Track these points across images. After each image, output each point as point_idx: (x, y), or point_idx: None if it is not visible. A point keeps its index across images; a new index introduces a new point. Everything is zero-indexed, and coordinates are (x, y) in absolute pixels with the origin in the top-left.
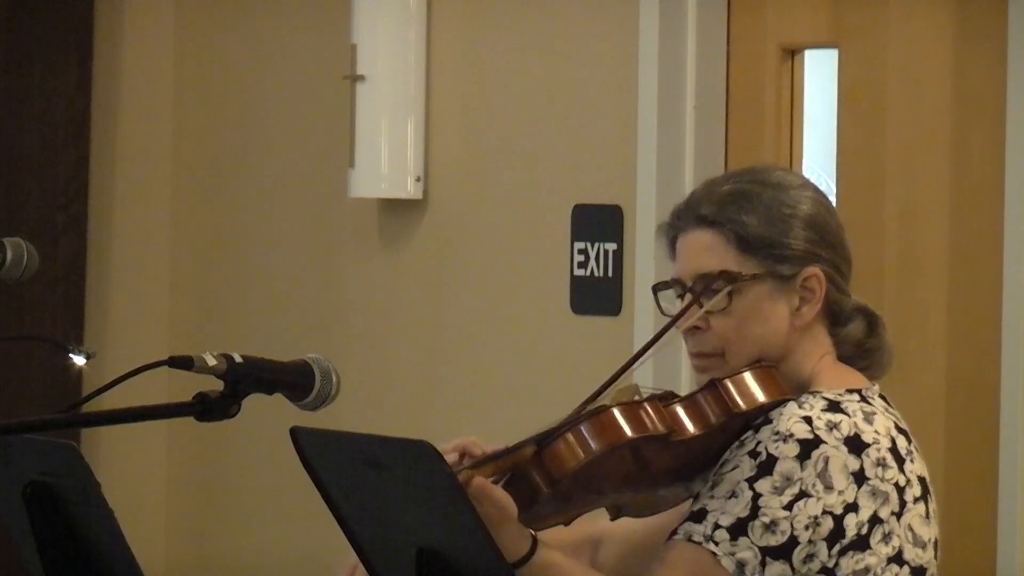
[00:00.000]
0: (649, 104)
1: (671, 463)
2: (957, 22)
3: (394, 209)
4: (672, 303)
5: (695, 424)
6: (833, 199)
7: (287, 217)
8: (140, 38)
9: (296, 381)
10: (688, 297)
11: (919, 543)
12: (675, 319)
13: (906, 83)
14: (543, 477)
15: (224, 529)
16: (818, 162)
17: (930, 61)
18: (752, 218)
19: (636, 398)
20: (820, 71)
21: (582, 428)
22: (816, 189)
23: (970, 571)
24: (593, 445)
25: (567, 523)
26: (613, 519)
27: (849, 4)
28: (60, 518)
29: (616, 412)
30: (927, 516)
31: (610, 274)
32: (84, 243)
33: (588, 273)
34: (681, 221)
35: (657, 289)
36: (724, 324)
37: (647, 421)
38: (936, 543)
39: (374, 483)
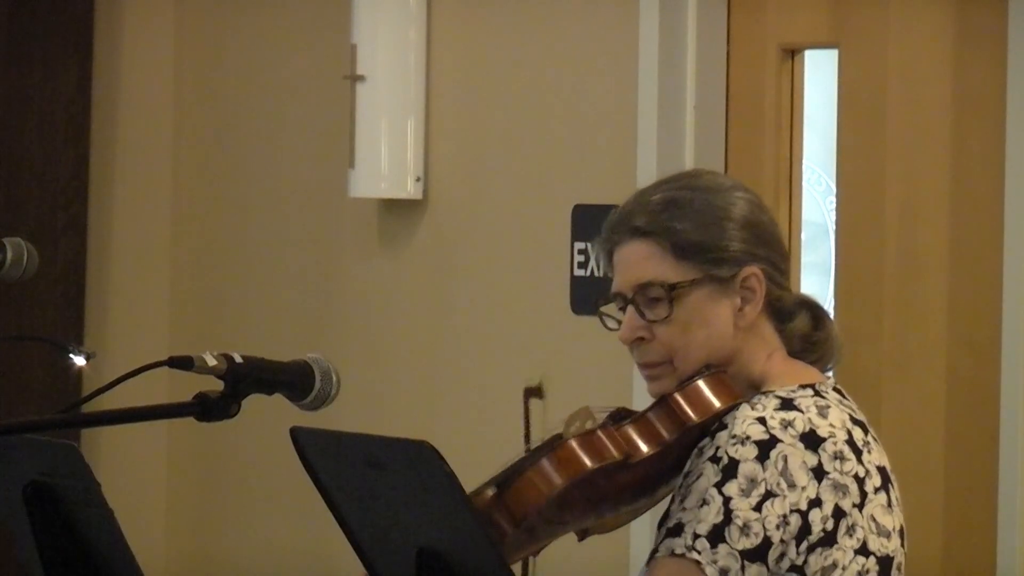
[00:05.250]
0: (649, 104)
1: (632, 483)
2: (957, 22)
3: (394, 209)
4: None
5: (650, 443)
6: (833, 199)
7: (287, 217)
8: (140, 38)
9: (296, 381)
10: (630, 309)
11: (883, 533)
12: None
13: (906, 83)
14: (506, 518)
15: (224, 529)
16: (818, 162)
17: (930, 61)
18: (686, 224)
19: (589, 424)
20: (820, 71)
21: (542, 464)
22: (747, 189)
23: (970, 571)
24: (555, 480)
25: (535, 555)
26: (580, 540)
27: (849, 4)
28: (60, 518)
29: (573, 445)
30: (889, 505)
31: (610, 274)
32: (84, 243)
33: (588, 273)
34: (616, 234)
35: (599, 305)
36: (668, 332)
37: (604, 449)
38: (902, 531)
39: (374, 483)
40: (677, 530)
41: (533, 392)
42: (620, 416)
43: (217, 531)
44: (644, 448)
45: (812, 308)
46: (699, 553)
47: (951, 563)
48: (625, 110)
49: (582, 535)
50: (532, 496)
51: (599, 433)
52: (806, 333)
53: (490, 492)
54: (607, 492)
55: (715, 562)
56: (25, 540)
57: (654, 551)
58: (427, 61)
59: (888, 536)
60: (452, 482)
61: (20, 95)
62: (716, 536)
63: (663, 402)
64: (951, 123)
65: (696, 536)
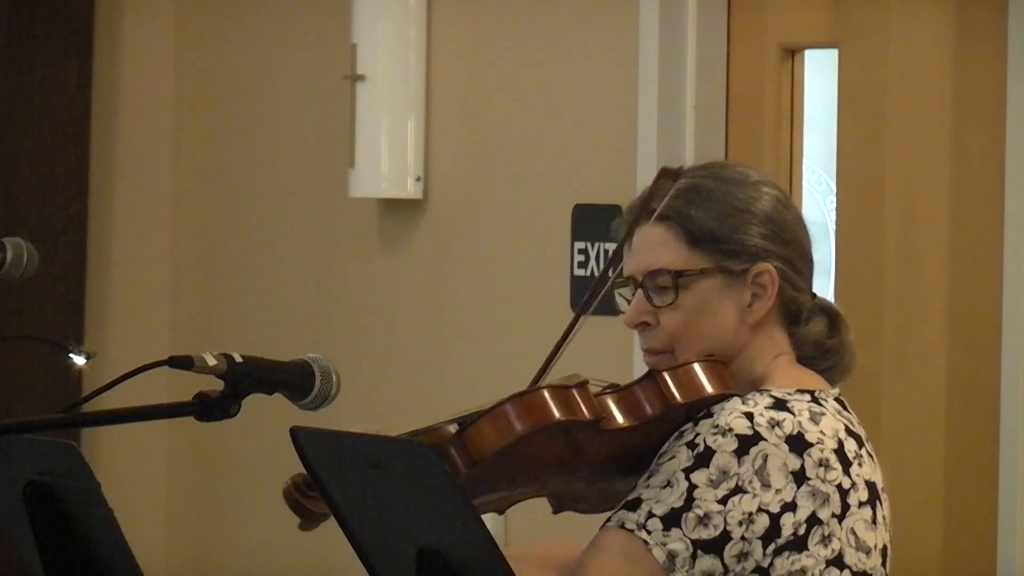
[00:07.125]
0: (649, 104)
1: (606, 452)
2: (957, 22)
3: (394, 209)
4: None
5: (628, 413)
6: (833, 199)
7: (287, 217)
8: (140, 38)
9: (296, 381)
10: (639, 293)
11: (863, 548)
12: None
13: (906, 83)
14: (462, 457)
15: (224, 529)
16: (818, 162)
17: (930, 61)
18: (702, 212)
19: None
20: (820, 71)
21: (507, 408)
22: (775, 186)
23: (970, 571)
24: (517, 425)
25: (501, 511)
26: (556, 512)
27: (849, 4)
28: (60, 518)
29: (544, 393)
30: (873, 522)
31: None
32: (84, 243)
33: (588, 273)
34: (634, 215)
35: (616, 287)
36: (672, 319)
37: (575, 406)
38: (885, 550)
39: (374, 483)
40: (634, 504)
41: None
42: (607, 388)
43: (217, 531)
44: (620, 417)
45: (830, 314)
46: (648, 533)
47: (951, 563)
48: (625, 110)
49: (558, 504)
50: (491, 437)
51: (574, 390)
52: (819, 339)
53: (452, 428)
54: (579, 457)
55: (664, 544)
56: (25, 540)
57: (608, 518)
58: (427, 61)
59: (868, 553)
60: (452, 482)
61: (20, 95)
62: (671, 520)
63: (651, 376)
64: (951, 123)
65: (650, 516)
